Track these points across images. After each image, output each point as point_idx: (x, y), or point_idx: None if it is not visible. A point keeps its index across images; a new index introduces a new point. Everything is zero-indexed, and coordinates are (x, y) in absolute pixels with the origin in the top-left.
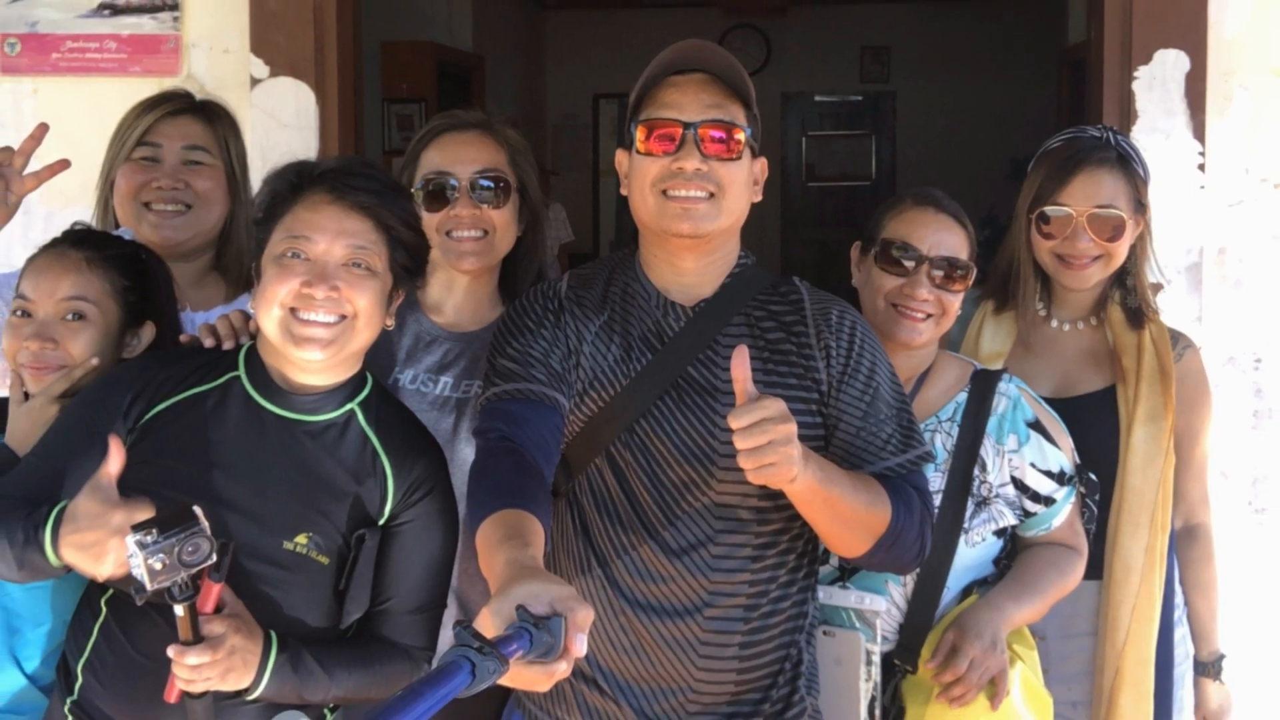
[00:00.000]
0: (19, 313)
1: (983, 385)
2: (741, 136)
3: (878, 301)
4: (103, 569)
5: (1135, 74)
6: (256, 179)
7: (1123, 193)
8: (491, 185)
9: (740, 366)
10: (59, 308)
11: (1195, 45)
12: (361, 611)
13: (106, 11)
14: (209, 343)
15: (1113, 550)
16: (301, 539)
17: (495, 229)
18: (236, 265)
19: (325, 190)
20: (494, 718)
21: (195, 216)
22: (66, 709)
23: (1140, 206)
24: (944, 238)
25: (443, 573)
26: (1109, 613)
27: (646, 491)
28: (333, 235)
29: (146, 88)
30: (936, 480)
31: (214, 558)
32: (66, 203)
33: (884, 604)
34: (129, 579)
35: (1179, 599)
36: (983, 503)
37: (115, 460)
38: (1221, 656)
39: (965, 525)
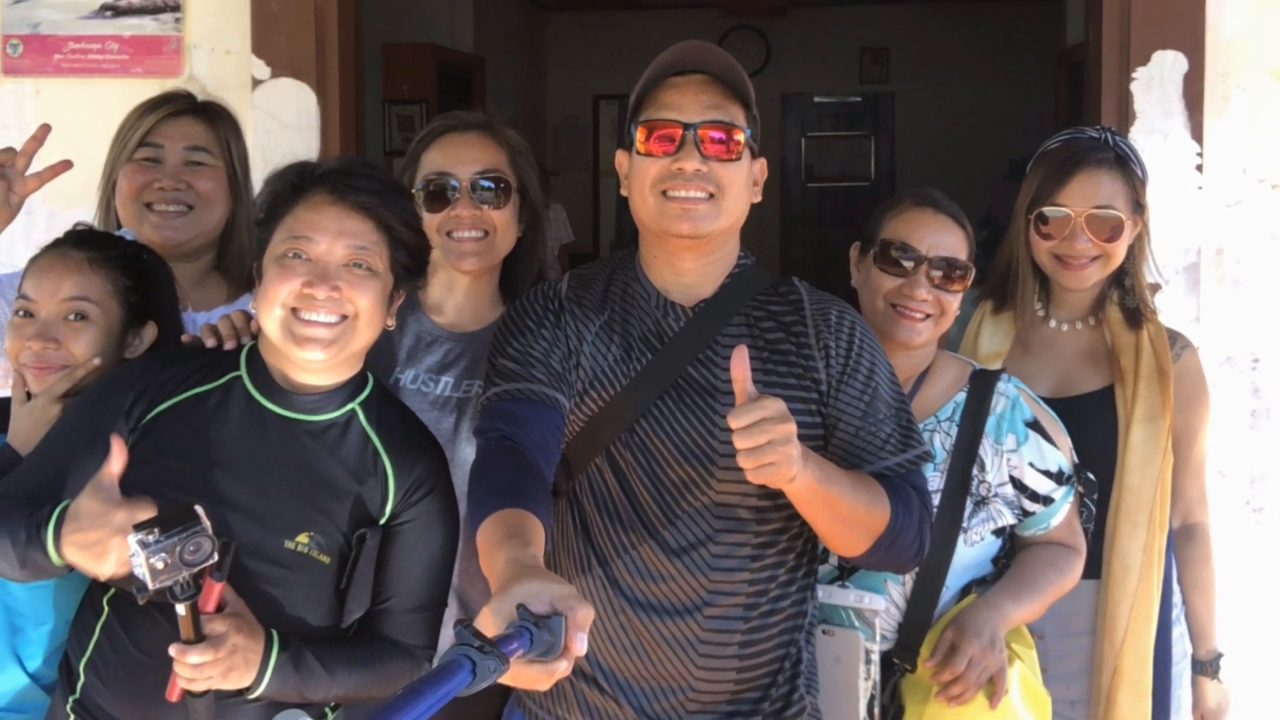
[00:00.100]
0: (21, 313)
1: (981, 385)
2: (741, 137)
3: (877, 302)
4: (105, 568)
5: (1133, 75)
6: (258, 180)
7: (1121, 193)
8: (492, 186)
9: (740, 366)
10: (61, 308)
11: (1193, 46)
12: (362, 610)
13: (108, 13)
14: (210, 343)
15: (1111, 549)
16: (303, 538)
17: (496, 229)
18: (238, 265)
19: (326, 191)
20: (494, 716)
21: (197, 217)
22: (69, 707)
23: (1138, 207)
24: (943, 238)
25: (443, 572)
26: (1107, 612)
27: (646, 491)
28: (334, 236)
29: (148, 89)
30: (935, 480)
31: (215, 557)
32: (68, 203)
33: (883, 603)
34: (131, 578)
35: (1177, 598)
36: (981, 502)
37: (117, 460)
38: (1219, 655)
39: (964, 524)
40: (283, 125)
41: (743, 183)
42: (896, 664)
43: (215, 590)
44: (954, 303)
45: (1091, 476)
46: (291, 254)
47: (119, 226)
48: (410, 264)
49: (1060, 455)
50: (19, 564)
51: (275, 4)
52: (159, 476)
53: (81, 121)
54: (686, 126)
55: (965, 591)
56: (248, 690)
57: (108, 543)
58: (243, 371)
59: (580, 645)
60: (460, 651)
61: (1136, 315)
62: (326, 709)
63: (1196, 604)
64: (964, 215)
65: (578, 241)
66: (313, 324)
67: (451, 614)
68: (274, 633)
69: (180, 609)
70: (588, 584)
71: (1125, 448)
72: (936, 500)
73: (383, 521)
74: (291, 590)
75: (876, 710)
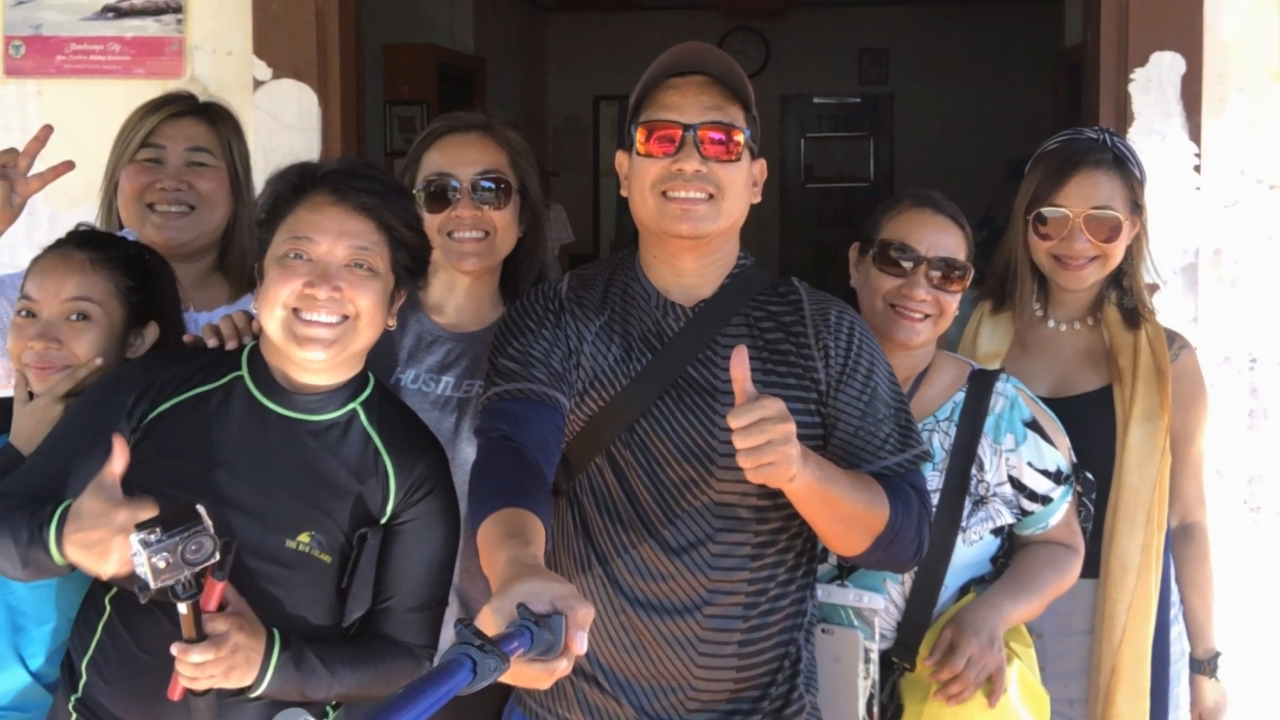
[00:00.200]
0: (24, 313)
1: (980, 385)
2: (740, 138)
3: (876, 302)
4: (107, 567)
5: (1131, 76)
6: (259, 180)
7: (1119, 194)
8: (493, 186)
9: (739, 366)
10: (63, 308)
11: (1191, 48)
12: (363, 610)
13: (110, 14)
14: (212, 343)
15: (1109, 549)
16: (304, 538)
17: (496, 230)
18: (239, 266)
19: (327, 191)
20: (495, 715)
21: (198, 217)
22: (71, 706)
23: (1136, 207)
24: (942, 239)
25: (444, 571)
26: (1105, 611)
27: (646, 490)
28: (335, 236)
29: (150, 90)
30: (934, 479)
31: (217, 556)
32: (70, 204)
33: (882, 602)
34: (133, 577)
35: (1175, 597)
36: (980, 501)
37: (119, 459)
38: (1217, 654)
39: (963, 524)
40: (284, 126)
41: (742, 183)
42: (895, 663)
43: (217, 589)
44: (953, 303)
45: (1090, 476)
46: (293, 254)
47: (121, 227)
48: (411, 264)
49: (1059, 455)
50: (21, 563)
51: (276, 5)
52: (161, 476)
53: (83, 122)
54: (686, 127)
55: (964, 591)
56: (249, 689)
57: (110, 542)
58: (244, 371)
59: (580, 644)
60: (461, 650)
61: (1135, 315)
62: (327, 708)
63: (1194, 603)
64: (963, 216)
65: (578, 242)
66: (314, 324)
67: (452, 613)
68: (275, 632)
69: (182, 608)
70: (588, 583)
71: (1123, 447)
72: (935, 500)
73: (384, 521)
74: (293, 589)
75: (875, 709)
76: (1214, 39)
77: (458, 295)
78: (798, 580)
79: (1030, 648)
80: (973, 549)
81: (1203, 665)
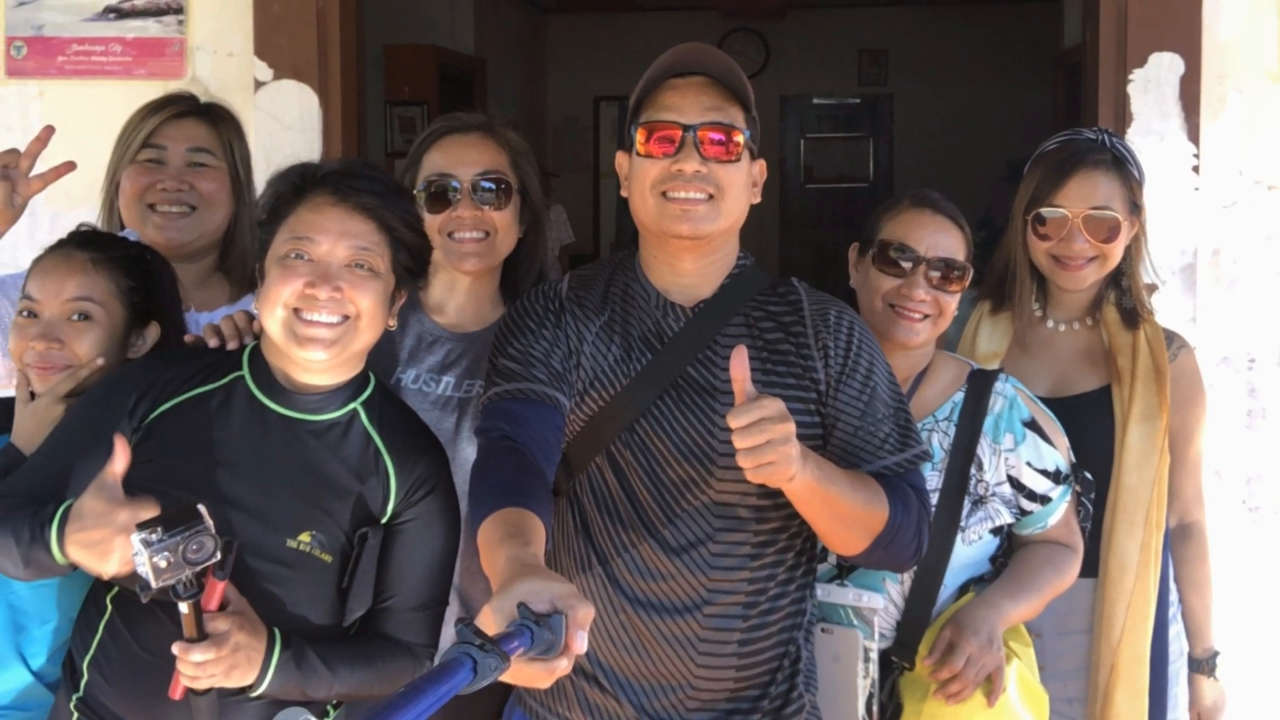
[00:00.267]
0: (25, 313)
1: (979, 385)
2: (740, 139)
3: (875, 302)
4: (108, 567)
5: (1130, 77)
6: (260, 181)
7: (1118, 194)
8: (493, 187)
9: (739, 366)
10: (65, 308)
11: (1190, 48)
12: (364, 609)
13: (112, 15)
14: (213, 343)
15: (1108, 548)
16: (305, 537)
17: (497, 230)
18: (240, 266)
19: (328, 192)
20: (495, 714)
21: (199, 218)
22: (72, 705)
23: (1135, 208)
24: (941, 239)
25: (445, 570)
26: (1104, 610)
27: (646, 490)
28: (336, 236)
29: (151, 90)
30: (933, 479)
31: (218, 556)
32: (72, 204)
33: (881, 601)
34: (134, 577)
35: (1174, 596)
36: (979, 501)
37: (120, 459)
38: (1216, 653)
39: (962, 524)
40: (285, 127)
41: (742, 184)
42: (895, 662)
43: (218, 589)
44: (952, 303)
45: (1089, 476)
46: (294, 254)
47: (122, 227)
48: (412, 264)
49: (1058, 455)
50: (23, 563)
51: (277, 6)
52: (162, 476)
53: (85, 123)
54: (686, 128)
55: (963, 590)
56: (250, 688)
57: (111, 541)
58: (245, 371)
59: (581, 643)
60: (461, 650)
61: (1133, 316)
62: (328, 707)
63: (1193, 602)
64: (962, 216)
65: (578, 242)
66: (315, 324)
67: (453, 612)
68: (276, 631)
69: (183, 607)
70: (588, 582)
71: (1122, 447)
72: (934, 499)
73: (384, 520)
74: (294, 589)
75: (875, 708)
76: (1212, 40)
77: (458, 295)
78: (797, 580)
79: (1029, 647)
80: (972, 548)
81: (1201, 664)
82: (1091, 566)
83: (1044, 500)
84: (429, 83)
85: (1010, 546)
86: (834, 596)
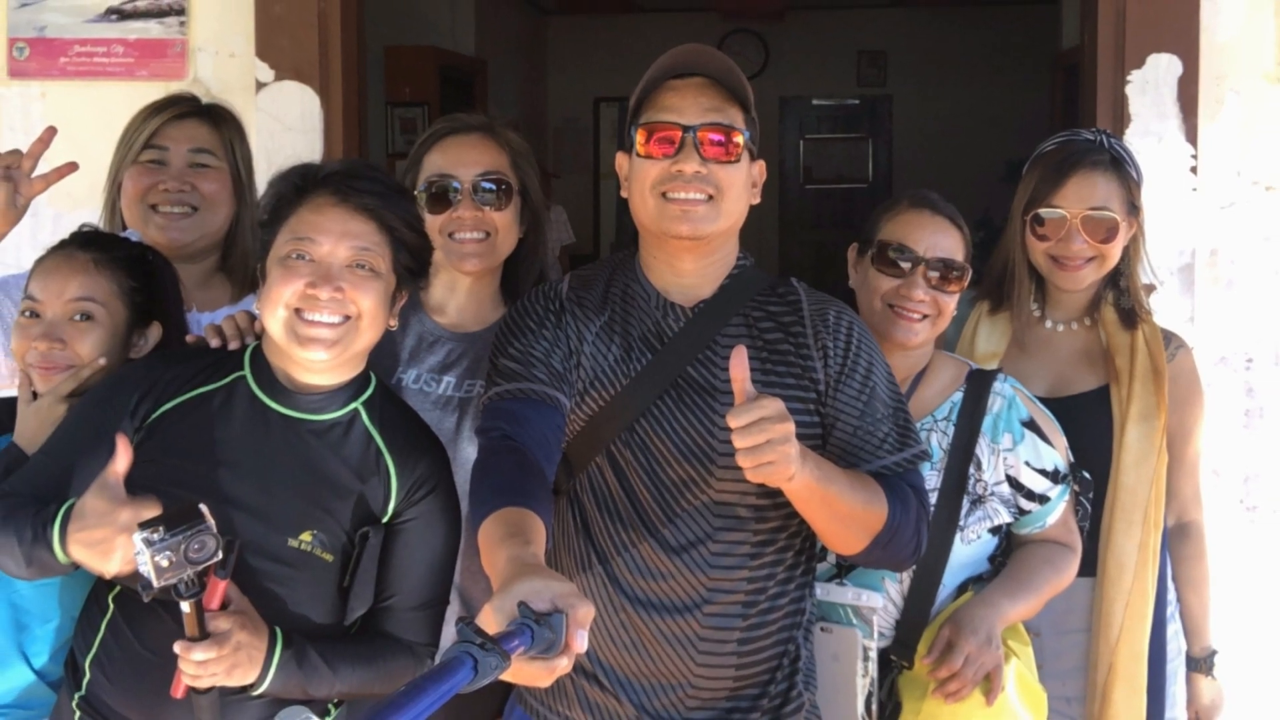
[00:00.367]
0: (27, 313)
1: (978, 385)
2: (740, 139)
3: (874, 302)
4: (110, 566)
5: (1128, 78)
6: (262, 182)
7: (1116, 195)
8: (493, 187)
9: (739, 366)
10: (67, 308)
11: (1187, 50)
12: (365, 608)
13: (114, 16)
14: (215, 343)
15: (1106, 547)
16: (306, 536)
17: (497, 231)
18: (242, 266)
19: (329, 193)
20: (496, 713)
21: (201, 218)
22: (74, 704)
23: (1133, 209)
24: (940, 239)
25: (445, 570)
26: (1103, 609)
27: (646, 490)
28: (337, 237)
29: (153, 91)
30: (932, 479)
31: (220, 555)
32: (74, 205)
33: (881, 600)
34: (136, 576)
35: (1172, 595)
36: (978, 501)
37: (122, 459)
38: (1213, 652)
39: (961, 523)
40: (286, 128)
41: (741, 184)
42: (894, 661)
43: (219, 588)
44: (951, 303)
45: (1087, 475)
46: (295, 255)
47: (124, 228)
48: (412, 265)
49: (1056, 454)
50: (25, 562)
51: (279, 8)
52: (164, 475)
53: (87, 124)
54: (686, 129)
55: (962, 589)
56: (252, 687)
57: (113, 541)
58: (247, 371)
59: (581, 642)
60: (462, 648)
61: (1131, 316)
62: (329, 705)
63: (1191, 601)
64: (960, 216)
65: (578, 243)
66: (316, 324)
67: (453, 611)
68: (278, 630)
69: (185, 607)
70: (588, 582)
71: (1120, 447)
72: (933, 499)
73: (385, 520)
74: (295, 588)
75: (874, 707)
76: (1210, 41)
77: (459, 296)
78: (796, 579)
79: (1028, 646)
80: (971, 548)
81: (1199, 663)
82: (1090, 565)
83: (1042, 500)
84: (430, 84)
85: (1009, 546)
86: (833, 595)
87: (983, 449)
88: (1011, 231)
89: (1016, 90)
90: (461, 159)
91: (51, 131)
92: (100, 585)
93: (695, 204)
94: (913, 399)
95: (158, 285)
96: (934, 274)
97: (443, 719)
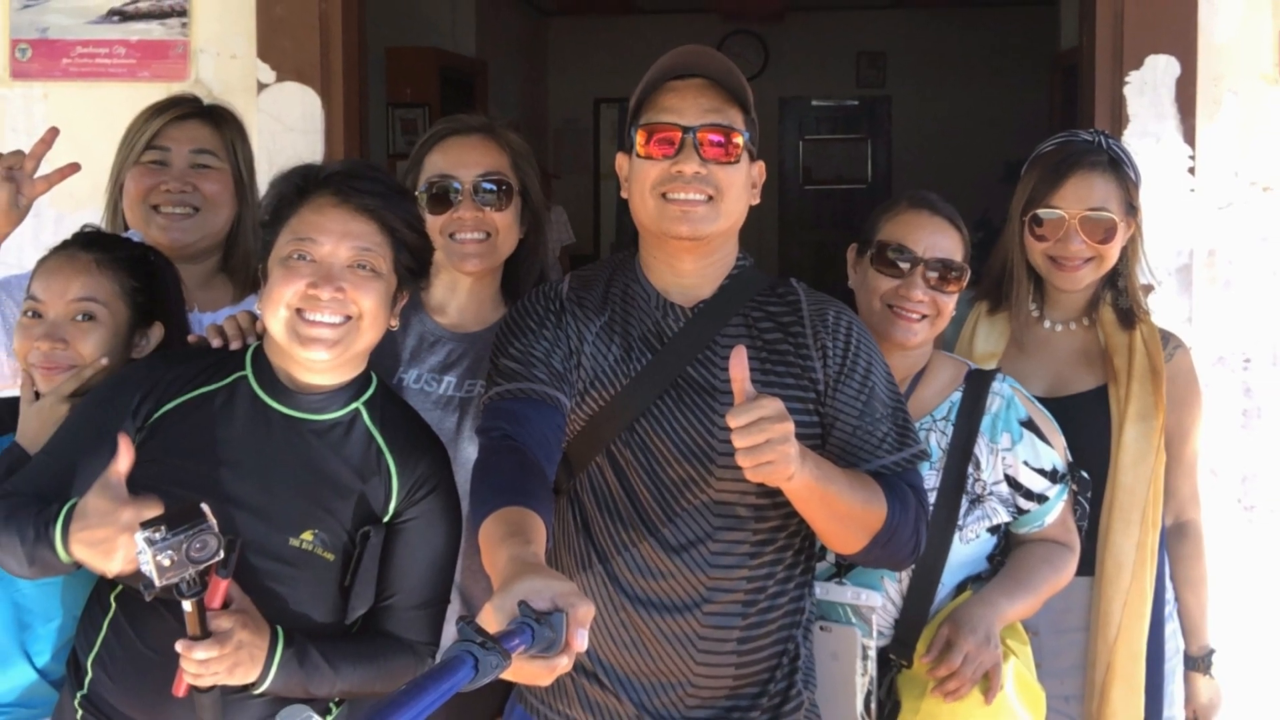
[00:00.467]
0: (30, 313)
1: (977, 385)
2: (740, 140)
3: (874, 302)
4: (112, 565)
5: (1126, 79)
6: (263, 182)
7: (1114, 195)
8: (494, 188)
9: (738, 366)
10: (69, 308)
11: (1185, 51)
12: (366, 607)
13: (116, 18)
14: (216, 343)
15: (1104, 547)
16: (307, 536)
17: (498, 231)
18: (243, 267)
19: (331, 193)
20: (496, 712)
21: (203, 219)
22: (76, 703)
23: (1131, 209)
24: (939, 240)
25: (446, 569)
26: (1101, 608)
27: (646, 489)
28: (338, 237)
29: (155, 92)
30: (931, 478)
31: (221, 554)
32: (76, 205)
33: (880, 600)
34: (138, 575)
35: (1170, 594)
36: (977, 500)
37: (124, 458)
38: (1211, 651)
39: (960, 522)
40: (287, 128)
41: (741, 185)
42: (893, 660)
43: (221, 587)
44: (949, 304)
45: (1085, 475)
46: (296, 255)
47: (126, 228)
48: (413, 265)
49: (1054, 454)
50: (27, 561)
51: (280, 9)
52: (165, 475)
53: (89, 125)
54: (686, 130)
55: (961, 588)
56: (253, 686)
57: (115, 540)
58: (248, 371)
59: (581, 641)
60: (463, 647)
61: (1129, 316)
62: (331, 704)
63: (1189, 600)
64: (959, 217)
65: (578, 243)
66: (317, 324)
67: (454, 610)
68: (279, 629)
69: (186, 606)
70: (588, 581)
71: (1118, 446)
72: (932, 498)
73: (386, 519)
74: (296, 587)
75: (873, 705)
76: (1208, 42)
77: (460, 296)
78: (796, 578)
79: (1026, 645)
80: (969, 547)
81: (1197, 662)
82: (1088, 565)
83: (1041, 499)
84: (430, 85)
85: (1007, 545)
86: (832, 594)
87: (981, 449)
88: (1010, 232)
89: (1015, 91)
90: (462, 160)
91: (54, 132)
92: (102, 584)
93: (695, 204)
94: (912, 399)
95: (159, 285)
96: (933, 274)
97: (443, 718)
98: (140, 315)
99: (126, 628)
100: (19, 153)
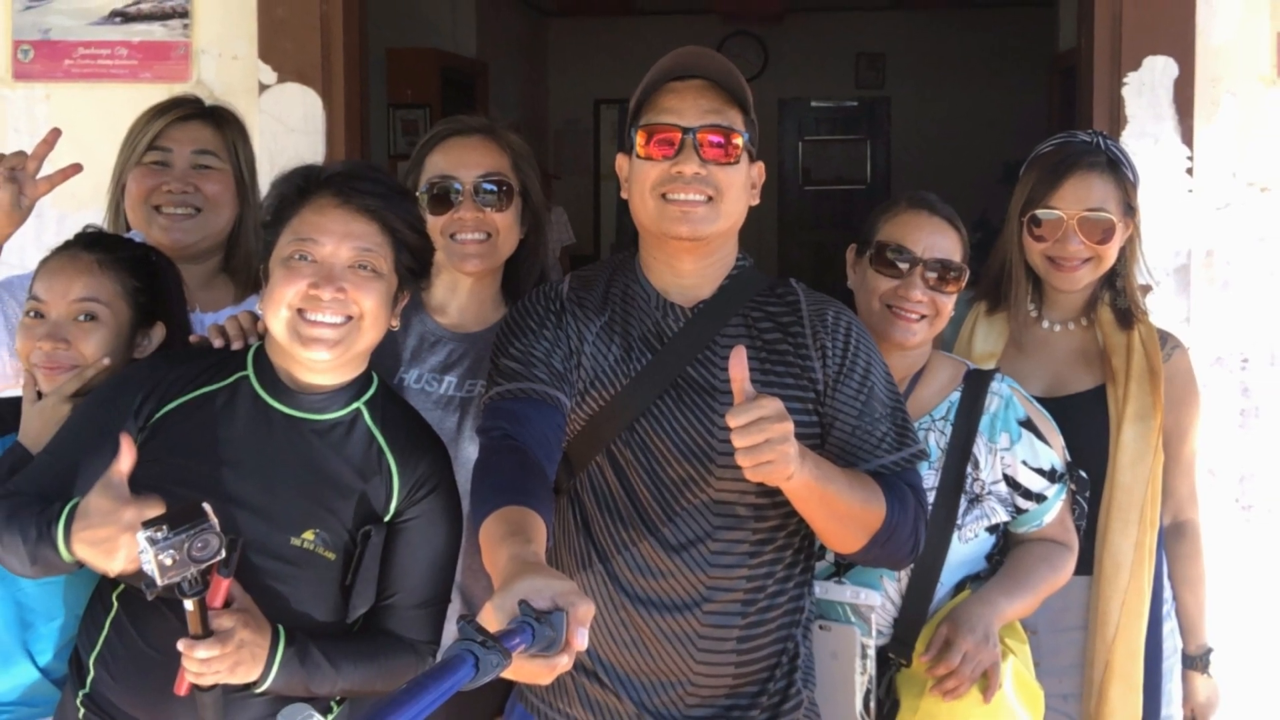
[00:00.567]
0: (32, 314)
1: (976, 385)
2: (739, 141)
3: (873, 303)
4: (114, 564)
5: (1125, 80)
6: (264, 183)
7: (1112, 196)
8: (494, 189)
9: (738, 366)
10: (71, 309)
11: (1183, 52)
12: (367, 606)
13: (118, 19)
14: (218, 343)
15: (1103, 546)
16: (309, 535)
17: (498, 231)
18: (245, 267)
19: (332, 194)
20: (497, 710)
21: (204, 219)
22: (79, 701)
23: (1130, 210)
24: (937, 240)
25: (447, 568)
26: (1099, 607)
27: (646, 489)
28: (339, 238)
29: (157, 93)
30: (930, 478)
31: (223, 553)
32: (78, 206)
33: (879, 599)
34: (140, 574)
35: (1167, 594)
36: (975, 499)
37: (126, 458)
38: (1209, 650)
39: (958, 522)
40: (289, 129)
41: (741, 186)
42: (892, 659)
43: (223, 586)
44: (948, 304)
45: (1084, 474)
46: (297, 256)
47: (128, 229)
48: (414, 265)
49: (1053, 453)
50: (30, 560)
51: (282, 10)
52: (167, 474)
53: (91, 126)
54: (686, 130)
55: (960, 587)
56: (255, 684)
57: (117, 540)
58: (250, 371)
59: (581, 640)
60: (463, 646)
61: (1128, 316)
62: (332, 703)
63: (1187, 600)
64: (958, 218)
65: (579, 244)
66: (318, 324)
67: (455, 609)
68: (280, 628)
69: (188, 605)
70: (589, 580)
71: (1117, 446)
72: (931, 498)
73: (387, 519)
74: (297, 586)
75: (872, 704)
76: (1206, 44)
77: (460, 296)
78: (795, 577)
79: (1025, 644)
80: (968, 546)
81: (1195, 661)
82: (1086, 564)
83: (1039, 498)
84: (431, 86)
85: (1006, 544)
86: (832, 594)
87: (980, 448)
88: (1009, 232)
89: (1014, 92)
90: (463, 160)
91: (56, 133)
92: (104, 583)
93: (695, 205)
94: (910, 399)
95: (161, 286)
96: (932, 274)
97: (444, 716)
98: (142, 315)
99: (128, 627)
100: (21, 153)
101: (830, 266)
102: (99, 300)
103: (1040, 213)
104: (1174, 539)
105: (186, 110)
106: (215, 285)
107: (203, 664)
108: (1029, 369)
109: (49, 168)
